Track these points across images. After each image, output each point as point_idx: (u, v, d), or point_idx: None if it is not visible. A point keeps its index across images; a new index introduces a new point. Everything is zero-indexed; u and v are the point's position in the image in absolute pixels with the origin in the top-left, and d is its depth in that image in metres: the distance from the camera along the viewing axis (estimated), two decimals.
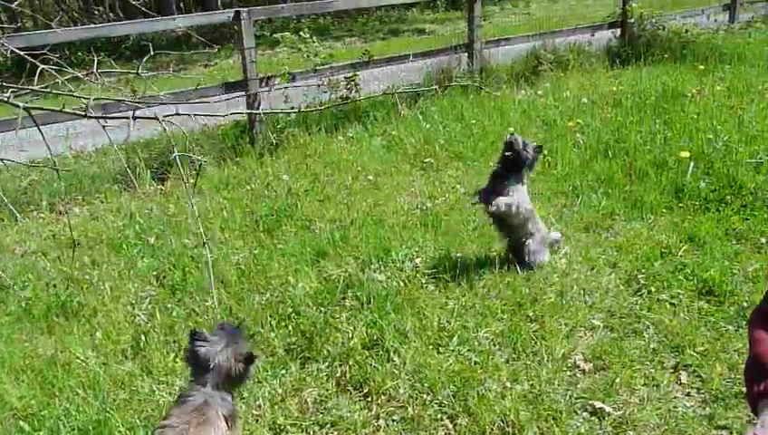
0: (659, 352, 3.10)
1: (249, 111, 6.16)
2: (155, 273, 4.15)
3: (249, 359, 2.31)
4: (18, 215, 5.22)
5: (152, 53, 3.70)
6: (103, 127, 2.75)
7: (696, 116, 6.01)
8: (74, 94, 2.46)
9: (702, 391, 2.85)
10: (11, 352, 3.38)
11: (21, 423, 2.78)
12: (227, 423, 2.23)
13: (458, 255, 4.05)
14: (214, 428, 2.17)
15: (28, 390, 3.05)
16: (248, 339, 2.48)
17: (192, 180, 5.84)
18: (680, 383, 2.91)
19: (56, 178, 5.80)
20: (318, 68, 7.16)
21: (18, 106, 2.52)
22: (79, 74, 2.92)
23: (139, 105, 2.63)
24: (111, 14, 16.90)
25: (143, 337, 3.42)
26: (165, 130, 2.40)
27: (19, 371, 3.23)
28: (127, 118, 2.46)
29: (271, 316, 3.51)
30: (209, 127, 6.82)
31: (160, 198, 5.56)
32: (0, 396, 3.01)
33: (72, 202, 5.75)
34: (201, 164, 5.64)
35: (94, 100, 2.42)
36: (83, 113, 2.44)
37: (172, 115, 2.43)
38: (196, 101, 4.37)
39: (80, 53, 13.35)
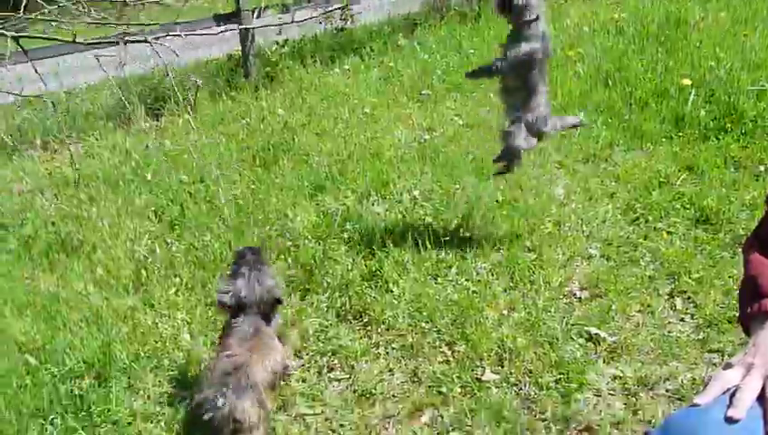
0: (655, 280, 3.14)
1: (241, 27, 5.99)
2: (153, 209, 4.15)
3: (276, 300, 2.43)
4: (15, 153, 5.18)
5: None
6: (97, 58, 2.70)
7: (698, 44, 5.88)
8: (62, 21, 2.39)
9: (696, 317, 2.89)
10: (13, 289, 3.42)
11: (27, 356, 2.83)
12: (281, 340, 2.39)
13: (457, 187, 4.04)
14: (273, 350, 2.30)
15: (32, 324, 3.09)
16: (267, 260, 2.57)
17: (188, 115, 5.78)
18: (675, 309, 2.96)
19: (49, 116, 5.74)
20: None
21: (5, 35, 2.46)
22: (66, 4, 2.84)
23: (128, 32, 2.56)
24: None
25: (144, 272, 3.44)
26: (158, 54, 2.34)
27: (22, 306, 3.27)
28: (117, 43, 2.41)
29: (270, 249, 3.53)
30: (201, 61, 6.70)
31: (156, 134, 5.50)
32: (4, 331, 3.06)
33: (67, 140, 5.69)
34: (198, 87, 5.54)
35: (80, 24, 2.36)
36: (72, 39, 2.38)
37: (163, 36, 2.37)
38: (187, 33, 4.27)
39: None
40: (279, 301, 2.46)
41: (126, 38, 2.52)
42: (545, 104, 3.27)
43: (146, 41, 2.45)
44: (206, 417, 2.07)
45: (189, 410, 2.43)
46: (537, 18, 3.12)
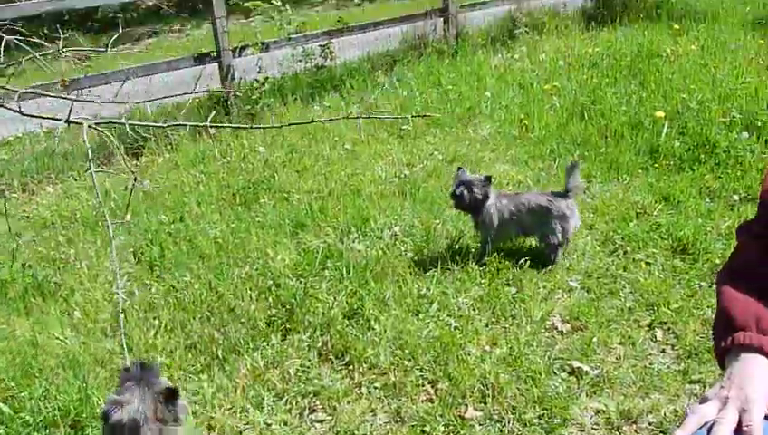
0: (635, 311, 3.16)
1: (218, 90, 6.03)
2: (132, 250, 4.12)
3: (171, 396, 1.92)
4: None
5: (121, 30, 3.62)
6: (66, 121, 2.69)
7: (670, 76, 6.03)
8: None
9: (676, 348, 2.91)
10: None
11: (1, 405, 2.76)
12: None
13: (437, 221, 4.06)
14: None
15: (7, 371, 3.02)
16: (158, 374, 2.05)
17: (167, 154, 5.79)
18: (655, 340, 2.97)
19: (27, 158, 5.71)
20: (292, 37, 7.05)
21: None
22: (46, 50, 2.85)
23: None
24: None
25: (122, 315, 3.40)
26: (99, 132, 2.33)
27: None
28: (59, 120, 2.40)
29: (251, 289, 3.50)
30: (183, 102, 6.72)
31: (135, 174, 5.47)
32: None
33: (45, 181, 5.65)
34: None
35: (23, 92, 2.36)
36: (18, 110, 2.39)
37: (103, 123, 2.38)
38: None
39: (46, 29, 12.97)
40: (176, 413, 1.92)
41: (68, 119, 2.51)
42: None
43: (80, 123, 2.44)
44: None
45: None
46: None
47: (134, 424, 1.84)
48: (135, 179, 2.74)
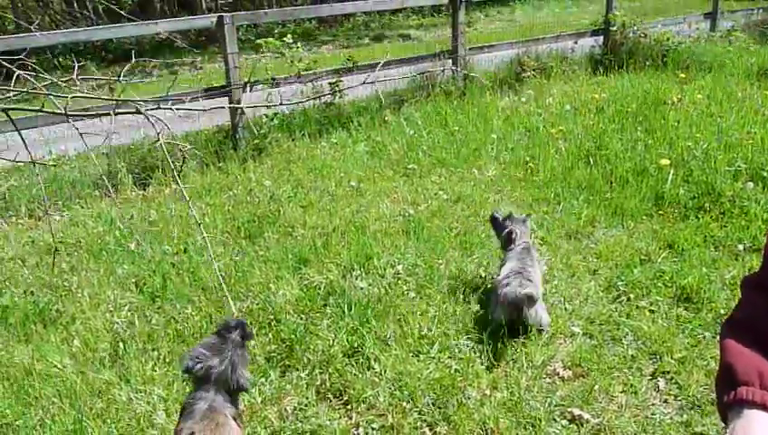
0: (638, 359, 3.13)
1: (230, 105, 6.11)
2: (134, 280, 4.12)
3: (242, 388, 2.36)
4: None
5: (134, 60, 3.68)
6: (80, 134, 2.73)
7: (676, 124, 6.07)
8: (52, 94, 2.44)
9: (679, 398, 2.87)
10: None
11: None
12: (237, 423, 2.30)
13: (440, 262, 4.06)
14: (227, 429, 2.22)
15: (3, 399, 3.01)
16: (246, 338, 2.50)
17: (178, 184, 5.81)
18: (658, 390, 2.94)
19: (35, 184, 5.75)
20: (302, 73, 7.15)
21: None
22: (58, 81, 2.90)
23: (119, 104, 2.61)
24: (94, 17, 16.74)
25: (122, 345, 3.38)
26: (150, 120, 2.36)
27: None
28: (108, 114, 2.44)
29: (251, 324, 3.49)
30: (191, 132, 6.80)
31: (142, 204, 5.51)
32: None
33: (52, 207, 5.69)
34: (185, 157, 5.58)
35: (72, 98, 2.41)
36: (63, 111, 2.42)
37: (154, 109, 2.41)
38: (179, 106, 4.34)
39: (60, 58, 13.20)
40: (245, 390, 2.41)
41: (117, 109, 2.56)
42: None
43: (138, 111, 2.49)
44: None
45: None
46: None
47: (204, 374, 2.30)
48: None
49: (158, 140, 2.72)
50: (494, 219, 3.81)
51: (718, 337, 1.54)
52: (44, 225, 5.29)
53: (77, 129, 2.67)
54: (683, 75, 8.12)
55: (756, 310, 1.47)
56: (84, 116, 3.31)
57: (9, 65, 2.76)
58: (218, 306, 3.68)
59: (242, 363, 2.38)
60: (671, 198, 4.71)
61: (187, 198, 3.08)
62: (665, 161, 5.10)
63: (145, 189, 5.92)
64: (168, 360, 3.26)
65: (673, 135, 5.78)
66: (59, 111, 2.77)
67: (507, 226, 3.68)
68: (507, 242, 3.65)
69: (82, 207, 5.61)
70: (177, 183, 4.51)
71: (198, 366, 2.31)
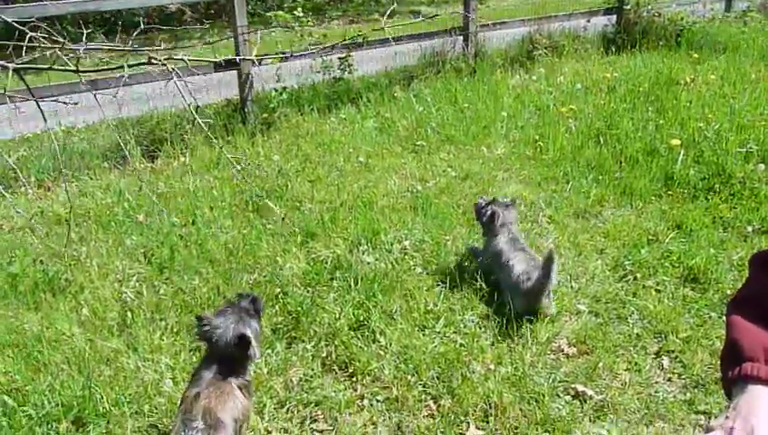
0: (643, 338, 3.13)
1: (238, 57, 6.06)
2: (143, 250, 4.14)
3: (242, 340, 2.36)
4: (5, 193, 5.18)
5: (142, 27, 3.66)
6: (93, 94, 2.73)
7: (688, 104, 6.01)
8: (66, 48, 2.43)
9: (683, 377, 2.88)
10: None
11: (5, 398, 2.78)
12: (243, 393, 2.34)
13: (447, 238, 4.06)
14: (232, 398, 2.27)
15: (13, 365, 3.05)
16: (258, 312, 2.56)
17: (183, 157, 5.83)
18: (662, 369, 2.95)
19: (44, 154, 5.77)
20: (311, 48, 7.10)
21: (8, 67, 2.50)
22: (69, 45, 2.89)
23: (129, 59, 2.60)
24: None
25: (129, 314, 3.42)
26: (167, 67, 2.35)
27: (4, 346, 3.23)
28: (121, 67, 2.44)
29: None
30: (201, 106, 6.77)
31: (150, 176, 5.52)
32: None
33: (61, 179, 5.70)
34: (195, 120, 5.56)
35: (85, 50, 2.40)
36: (75, 68, 2.42)
37: (167, 59, 2.41)
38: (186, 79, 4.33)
39: (70, 28, 13.13)
40: (252, 357, 2.42)
41: (129, 63, 2.56)
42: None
43: (149, 62, 2.48)
44: None
45: None
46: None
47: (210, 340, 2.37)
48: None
49: (152, 117, 2.72)
50: (476, 207, 3.77)
51: (725, 314, 1.54)
52: (53, 195, 5.32)
53: (88, 87, 2.67)
54: (696, 56, 8.02)
55: (764, 287, 1.47)
56: (96, 71, 3.31)
57: (21, 27, 2.76)
58: (225, 278, 3.70)
59: (247, 328, 2.40)
60: (681, 178, 4.68)
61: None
62: (675, 142, 5.06)
63: (153, 162, 5.92)
64: (175, 330, 3.29)
65: (685, 115, 5.73)
66: (72, 69, 2.77)
67: (489, 209, 3.64)
68: (490, 224, 3.61)
69: (91, 179, 5.62)
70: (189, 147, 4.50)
71: (205, 328, 2.34)
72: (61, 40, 2.78)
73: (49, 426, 2.64)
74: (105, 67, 3.01)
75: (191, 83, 3.10)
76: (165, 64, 2.60)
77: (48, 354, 3.11)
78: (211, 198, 4.83)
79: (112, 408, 2.73)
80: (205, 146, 6.04)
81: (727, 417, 1.25)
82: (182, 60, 2.97)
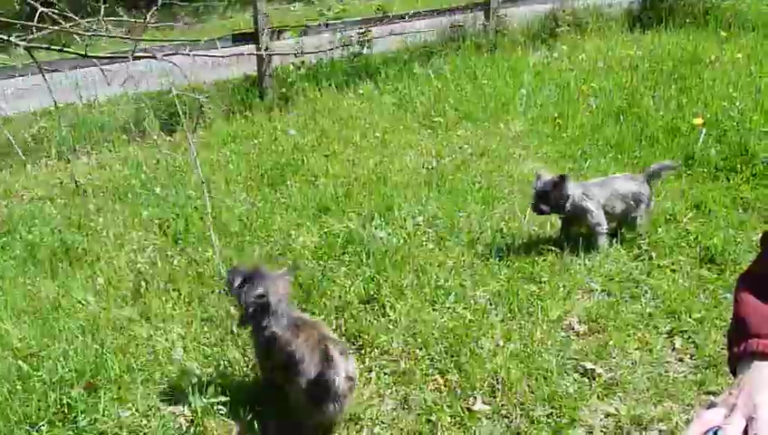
0: (655, 317, 3.10)
1: (251, 53, 6.06)
2: (158, 222, 4.18)
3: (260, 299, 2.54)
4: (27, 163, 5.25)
5: (160, 1, 3.65)
6: (103, 72, 2.73)
7: (712, 83, 5.88)
8: (73, 32, 2.43)
9: (695, 357, 2.84)
10: (14, 294, 3.44)
11: (20, 363, 2.83)
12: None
13: (461, 215, 4.04)
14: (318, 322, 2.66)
15: (29, 331, 3.10)
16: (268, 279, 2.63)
17: (198, 130, 5.85)
18: (674, 349, 2.91)
19: (65, 127, 5.82)
20: (330, 23, 7.05)
21: (19, 45, 2.50)
22: (79, 24, 2.89)
23: (137, 49, 2.59)
24: None
25: (143, 284, 3.45)
26: (169, 62, 2.35)
27: (21, 312, 3.29)
28: (126, 57, 2.44)
29: (271, 267, 3.52)
30: (219, 81, 6.78)
31: (168, 149, 5.55)
32: (1, 336, 3.07)
33: (81, 150, 5.76)
34: (202, 107, 5.59)
35: (92, 37, 2.40)
36: (83, 54, 2.42)
37: (172, 54, 2.40)
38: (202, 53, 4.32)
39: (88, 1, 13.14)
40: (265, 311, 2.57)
41: (135, 54, 2.55)
42: None
43: (154, 57, 2.48)
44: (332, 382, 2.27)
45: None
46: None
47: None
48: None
49: (171, 91, 2.72)
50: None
51: (734, 290, 1.51)
52: (72, 167, 5.38)
53: (100, 68, 2.67)
54: (724, 34, 7.82)
55: None
56: (102, 58, 3.31)
57: (34, 2, 2.76)
58: (239, 250, 3.72)
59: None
60: (702, 158, 4.59)
61: (195, 153, 3.07)
62: (698, 120, 4.96)
63: (172, 135, 5.95)
64: (187, 300, 3.32)
65: (708, 94, 5.61)
66: (80, 53, 2.77)
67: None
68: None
69: (110, 151, 5.67)
70: (187, 137, 4.52)
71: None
72: (74, 17, 2.78)
73: (62, 391, 2.68)
74: (111, 55, 3.01)
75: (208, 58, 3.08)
76: (170, 61, 2.59)
77: (64, 321, 3.16)
78: (227, 171, 4.85)
79: (124, 374, 2.77)
80: (222, 120, 6.06)
81: (730, 393, 1.23)
82: (187, 54, 2.95)
